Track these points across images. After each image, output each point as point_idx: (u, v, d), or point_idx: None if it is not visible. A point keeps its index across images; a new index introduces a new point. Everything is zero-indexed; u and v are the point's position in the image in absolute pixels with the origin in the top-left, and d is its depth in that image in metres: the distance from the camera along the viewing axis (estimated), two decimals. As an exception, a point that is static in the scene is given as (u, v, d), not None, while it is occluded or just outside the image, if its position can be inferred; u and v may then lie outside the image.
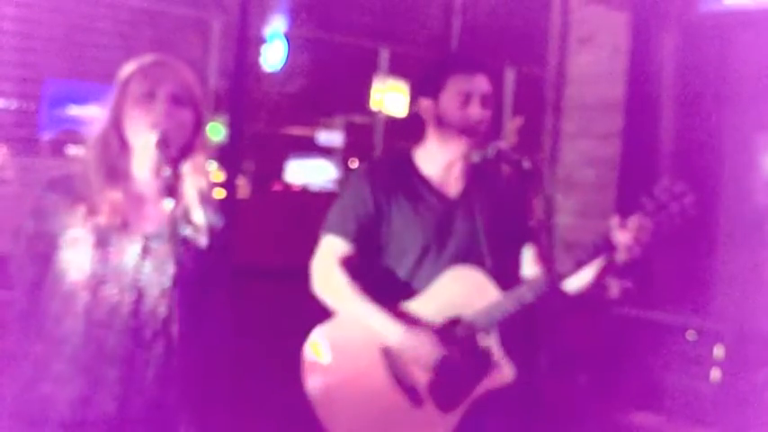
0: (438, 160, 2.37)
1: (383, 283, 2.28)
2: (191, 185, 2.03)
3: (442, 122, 2.34)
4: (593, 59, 3.89)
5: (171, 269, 1.76)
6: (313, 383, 2.25)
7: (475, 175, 2.41)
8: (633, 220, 2.13)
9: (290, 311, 3.15)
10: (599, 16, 3.87)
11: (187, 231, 2.03)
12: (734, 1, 3.37)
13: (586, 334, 3.20)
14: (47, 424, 1.90)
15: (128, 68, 2.03)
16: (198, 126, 2.04)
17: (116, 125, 1.99)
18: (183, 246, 1.97)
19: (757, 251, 3.48)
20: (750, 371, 2.69)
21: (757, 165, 3.50)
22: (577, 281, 2.26)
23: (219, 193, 3.52)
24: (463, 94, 2.31)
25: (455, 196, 2.37)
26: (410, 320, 2.22)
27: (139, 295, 1.94)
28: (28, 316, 2.01)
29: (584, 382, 1.93)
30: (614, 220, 2.16)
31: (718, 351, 2.78)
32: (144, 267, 1.94)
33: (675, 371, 2.93)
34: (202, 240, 2.04)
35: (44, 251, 1.98)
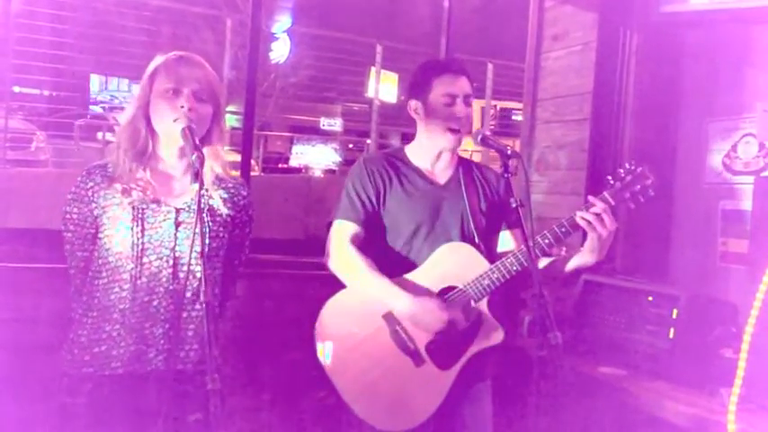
0: (427, 153, 2.43)
1: (382, 258, 2.33)
2: (209, 169, 2.05)
3: (429, 120, 2.37)
4: (566, 54, 3.87)
5: (201, 237, 1.75)
6: (323, 349, 2.25)
7: (461, 163, 2.45)
8: (600, 200, 2.15)
9: (295, 280, 3.13)
10: (570, 16, 3.89)
11: (212, 203, 2.06)
12: (691, 3, 3.34)
13: (560, 298, 3.19)
14: (102, 379, 1.96)
15: (154, 63, 2.09)
16: (216, 118, 2.08)
17: (144, 113, 2.03)
18: (209, 216, 2.02)
19: (706, 224, 3.48)
20: (703, 330, 2.69)
21: (706, 148, 3.49)
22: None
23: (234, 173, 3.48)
24: (448, 95, 2.34)
25: (444, 182, 2.40)
26: (413, 290, 2.21)
27: (176, 262, 1.97)
28: (80, 290, 2.04)
29: (558, 340, 1.95)
30: (589, 201, 2.26)
31: (675, 313, 2.77)
32: (178, 237, 1.94)
33: (637, 330, 2.93)
34: (224, 211, 2.08)
35: (89, 232, 2.01)
